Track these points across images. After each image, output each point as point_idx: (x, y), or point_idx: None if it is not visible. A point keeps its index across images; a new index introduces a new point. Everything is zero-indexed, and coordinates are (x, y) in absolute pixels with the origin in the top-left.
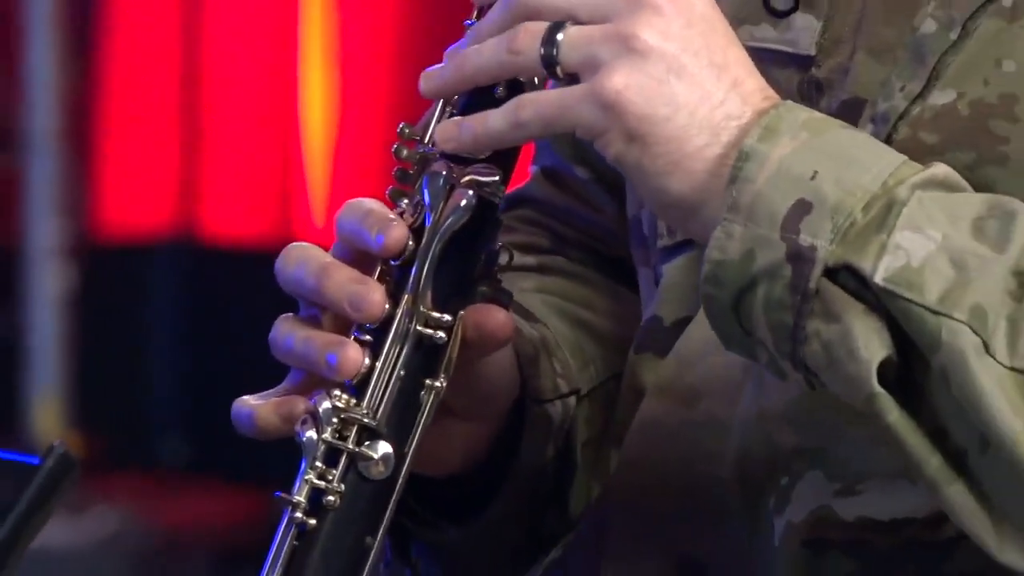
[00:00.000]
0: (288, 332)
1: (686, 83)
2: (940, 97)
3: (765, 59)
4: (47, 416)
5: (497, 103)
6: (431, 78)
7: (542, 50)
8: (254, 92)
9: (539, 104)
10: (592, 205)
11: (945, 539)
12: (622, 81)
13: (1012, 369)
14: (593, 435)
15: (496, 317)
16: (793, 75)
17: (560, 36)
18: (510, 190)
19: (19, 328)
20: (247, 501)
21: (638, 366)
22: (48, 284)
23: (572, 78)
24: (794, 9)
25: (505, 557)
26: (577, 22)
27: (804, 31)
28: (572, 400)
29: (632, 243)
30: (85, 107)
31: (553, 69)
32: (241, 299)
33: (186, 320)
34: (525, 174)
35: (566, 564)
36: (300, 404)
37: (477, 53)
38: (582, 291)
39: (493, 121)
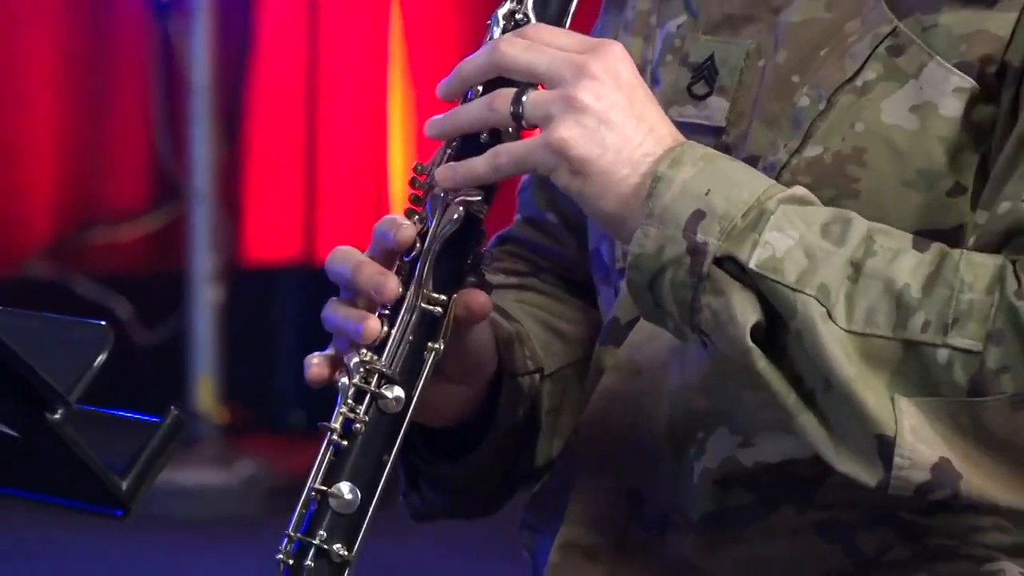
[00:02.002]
0: (332, 311)
1: (613, 131)
2: (811, 151)
3: (690, 130)
4: (204, 393)
5: (481, 146)
6: (434, 125)
7: (512, 109)
8: (354, 154)
9: (510, 152)
10: (560, 242)
11: (817, 475)
12: (567, 132)
13: (848, 331)
14: (553, 405)
15: (478, 298)
16: (710, 141)
17: (525, 99)
18: (500, 232)
19: (185, 330)
20: None
21: (601, 354)
22: (205, 298)
23: (533, 128)
24: (709, 94)
25: (486, 489)
26: (540, 83)
27: (717, 109)
28: (537, 377)
29: (594, 268)
30: (233, 168)
31: (520, 122)
32: None
33: (304, 324)
34: (509, 218)
35: (544, 497)
36: (338, 360)
37: (467, 111)
38: (550, 303)
39: (478, 166)
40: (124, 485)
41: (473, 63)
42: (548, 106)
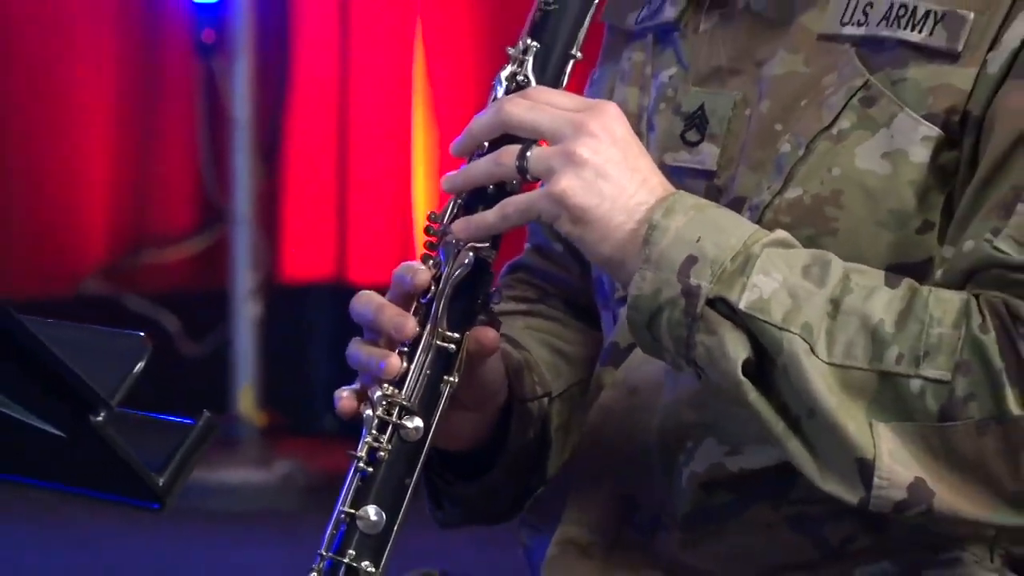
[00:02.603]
0: (356, 349)
1: (610, 182)
2: (792, 193)
3: (683, 174)
4: (245, 400)
5: (488, 196)
6: (449, 180)
7: (517, 163)
8: (381, 181)
9: (516, 204)
10: (566, 269)
11: (790, 475)
12: (567, 183)
13: (829, 364)
14: (562, 423)
15: (488, 335)
16: (701, 184)
17: (529, 154)
18: (511, 260)
19: (227, 342)
20: None
21: (601, 374)
22: (246, 313)
23: (537, 181)
24: (701, 141)
25: (503, 504)
26: (542, 139)
27: (708, 155)
28: (546, 400)
29: (596, 295)
30: (271, 194)
31: (524, 176)
32: None
33: (336, 337)
34: (520, 248)
35: (544, 500)
36: (363, 394)
37: (476, 166)
38: (556, 327)
39: (489, 218)
40: (161, 481)
41: (481, 123)
42: (550, 160)
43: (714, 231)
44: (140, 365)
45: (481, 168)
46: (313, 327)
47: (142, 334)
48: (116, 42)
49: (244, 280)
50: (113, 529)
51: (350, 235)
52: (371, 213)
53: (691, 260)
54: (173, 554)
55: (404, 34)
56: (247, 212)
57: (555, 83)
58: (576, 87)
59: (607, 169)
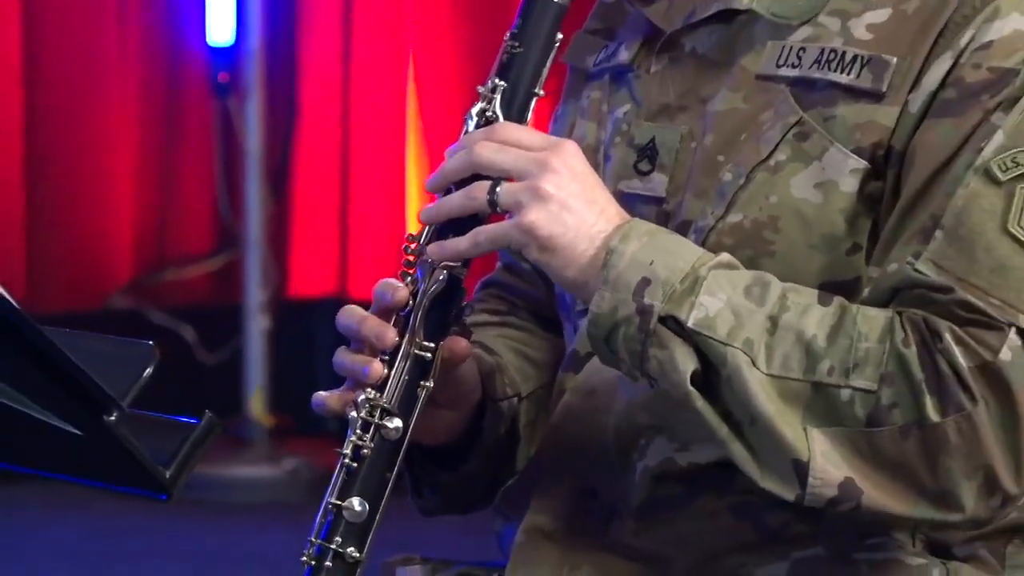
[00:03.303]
0: (343, 357)
1: (573, 214)
2: (733, 217)
3: (636, 200)
4: (256, 403)
5: (460, 223)
6: (426, 212)
7: (488, 198)
8: (379, 208)
9: (489, 233)
10: (533, 285)
11: (733, 470)
12: (534, 216)
13: (768, 375)
14: (529, 420)
15: (460, 344)
16: (652, 209)
17: (499, 189)
18: (484, 277)
19: (240, 351)
20: None
21: (563, 379)
22: (257, 326)
23: (506, 213)
24: (652, 170)
25: (476, 491)
26: (509, 177)
27: (659, 183)
28: (516, 400)
29: (559, 308)
30: (280, 219)
31: (495, 208)
32: None
33: (338, 347)
34: (491, 266)
35: (513, 491)
36: (348, 397)
37: (451, 200)
38: (525, 336)
39: (461, 244)
40: (167, 474)
41: (453, 164)
42: (518, 195)
43: (665, 255)
44: (149, 370)
45: (455, 202)
46: (317, 338)
47: (151, 343)
48: (142, 81)
49: (255, 296)
50: (138, 519)
51: (350, 256)
52: (369, 236)
53: (645, 282)
54: (192, 541)
55: (398, 74)
56: (258, 235)
57: (520, 118)
58: (539, 121)
59: (570, 202)
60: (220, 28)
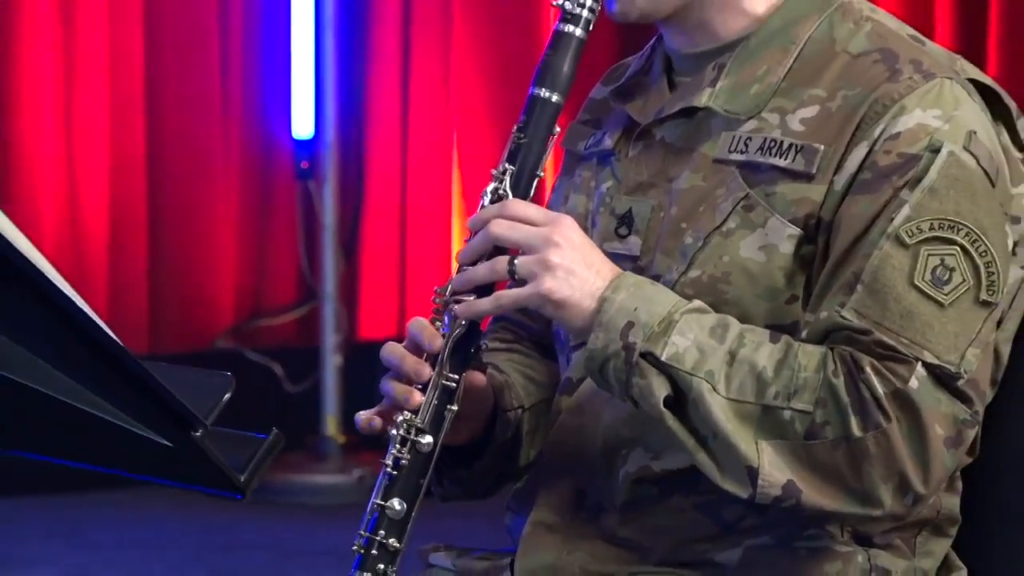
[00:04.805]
0: (390, 385)
1: (577, 277)
2: (694, 273)
3: (616, 258)
4: (332, 425)
5: (482, 288)
6: (458, 280)
7: (508, 268)
8: (431, 268)
9: (508, 295)
10: (535, 320)
11: (698, 475)
12: (549, 284)
13: (727, 399)
14: (530, 428)
15: (478, 376)
16: (629, 265)
17: (516, 263)
18: (497, 315)
19: (319, 383)
20: None
21: (559, 401)
22: (332, 363)
23: (523, 280)
24: (629, 234)
25: (487, 482)
26: (523, 250)
27: (635, 245)
28: (520, 411)
29: (555, 342)
30: (351, 278)
31: (513, 276)
32: None
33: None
34: None
35: (522, 491)
36: (386, 415)
37: (477, 271)
38: (529, 360)
39: (484, 305)
40: (242, 478)
41: (477, 241)
42: (531, 267)
43: (647, 303)
44: (227, 395)
45: (481, 272)
46: (380, 373)
47: (230, 374)
48: (241, 166)
49: (330, 339)
50: (230, 516)
51: (407, 306)
52: (421, 290)
53: (629, 324)
54: (276, 538)
55: (445, 159)
56: (333, 290)
57: (525, 196)
58: (540, 195)
59: (573, 268)
60: (302, 124)
